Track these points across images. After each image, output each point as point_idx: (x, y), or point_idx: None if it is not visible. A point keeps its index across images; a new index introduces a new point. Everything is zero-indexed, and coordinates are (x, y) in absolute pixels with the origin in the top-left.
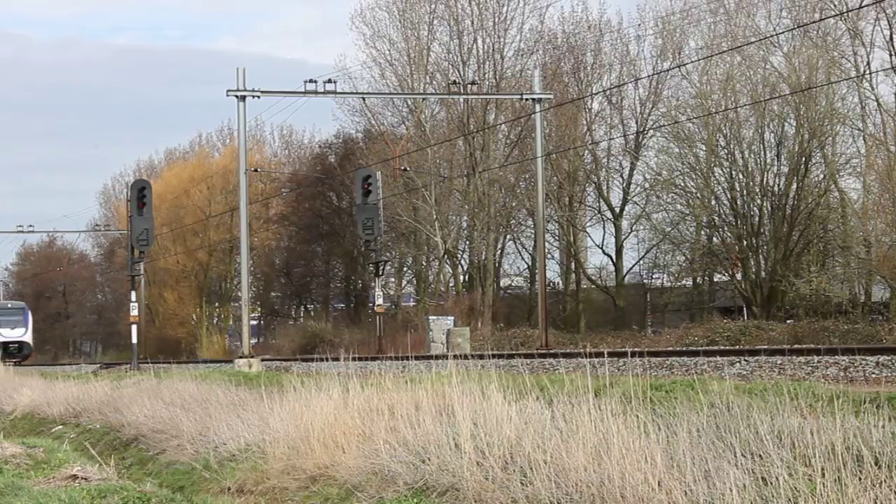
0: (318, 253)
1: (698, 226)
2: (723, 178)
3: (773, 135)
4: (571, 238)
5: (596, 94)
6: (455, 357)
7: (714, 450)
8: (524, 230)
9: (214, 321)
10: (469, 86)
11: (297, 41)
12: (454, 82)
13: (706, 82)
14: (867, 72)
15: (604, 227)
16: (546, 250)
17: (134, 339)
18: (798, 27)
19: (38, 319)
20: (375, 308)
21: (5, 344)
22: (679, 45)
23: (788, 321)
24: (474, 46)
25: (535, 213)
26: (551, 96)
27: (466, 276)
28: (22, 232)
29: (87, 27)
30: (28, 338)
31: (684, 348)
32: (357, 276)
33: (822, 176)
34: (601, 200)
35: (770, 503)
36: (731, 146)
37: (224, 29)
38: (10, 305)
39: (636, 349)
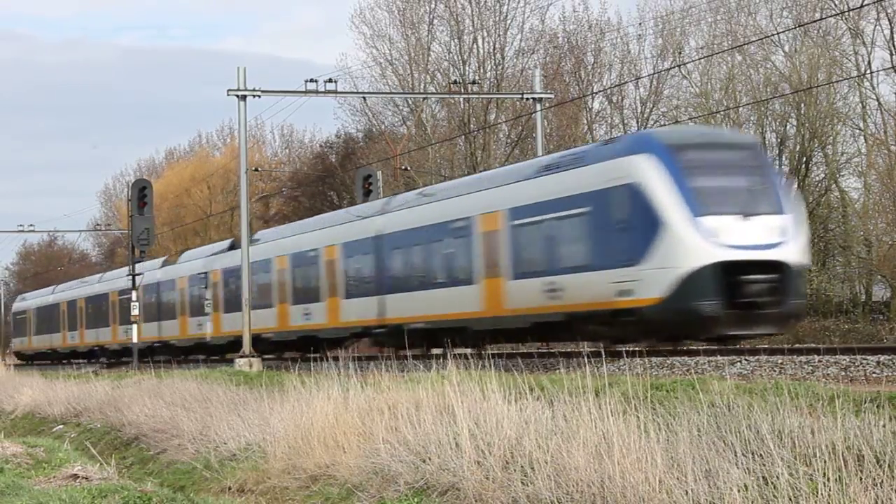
0: None
1: None
2: None
3: (774, 134)
4: None
5: (596, 93)
6: (455, 357)
7: (715, 449)
8: None
9: None
10: (470, 85)
11: (302, 41)
12: (455, 82)
13: (707, 82)
14: (868, 71)
15: None
16: None
17: (135, 339)
18: (799, 26)
19: None
20: None
21: (743, 272)
22: (679, 44)
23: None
24: (475, 46)
25: None
26: (552, 96)
27: None
28: (22, 231)
29: (91, 27)
30: (793, 254)
31: (684, 347)
32: None
33: (822, 175)
34: None
35: (771, 503)
36: None
37: (229, 29)
38: (726, 139)
39: (636, 348)
